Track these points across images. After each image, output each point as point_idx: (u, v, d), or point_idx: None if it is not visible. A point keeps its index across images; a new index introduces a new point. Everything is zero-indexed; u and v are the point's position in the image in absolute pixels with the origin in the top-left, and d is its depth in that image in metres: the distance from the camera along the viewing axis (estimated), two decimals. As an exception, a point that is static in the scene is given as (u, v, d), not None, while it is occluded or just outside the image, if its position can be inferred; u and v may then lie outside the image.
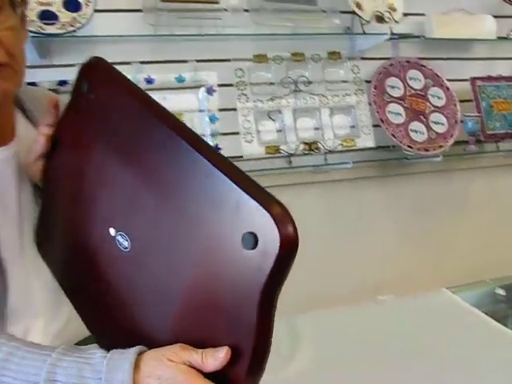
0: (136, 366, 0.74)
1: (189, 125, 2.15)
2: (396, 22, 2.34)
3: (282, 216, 0.60)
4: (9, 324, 1.03)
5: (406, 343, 1.12)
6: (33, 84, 1.93)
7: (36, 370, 0.79)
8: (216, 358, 0.69)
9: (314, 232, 2.36)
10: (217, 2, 2.18)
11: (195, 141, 0.70)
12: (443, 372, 1.05)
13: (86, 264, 0.92)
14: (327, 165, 2.33)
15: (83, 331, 0.98)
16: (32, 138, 1.09)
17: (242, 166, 2.11)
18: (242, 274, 0.64)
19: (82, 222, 0.90)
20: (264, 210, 0.60)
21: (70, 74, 2.02)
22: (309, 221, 2.39)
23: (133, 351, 0.76)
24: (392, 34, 2.34)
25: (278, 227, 0.59)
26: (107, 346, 0.81)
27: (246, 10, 2.22)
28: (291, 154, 2.28)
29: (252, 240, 0.61)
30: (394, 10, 2.37)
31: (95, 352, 0.79)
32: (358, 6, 2.30)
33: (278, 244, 0.59)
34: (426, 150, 2.42)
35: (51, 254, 1.01)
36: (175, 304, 0.75)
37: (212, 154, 0.68)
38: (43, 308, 1.08)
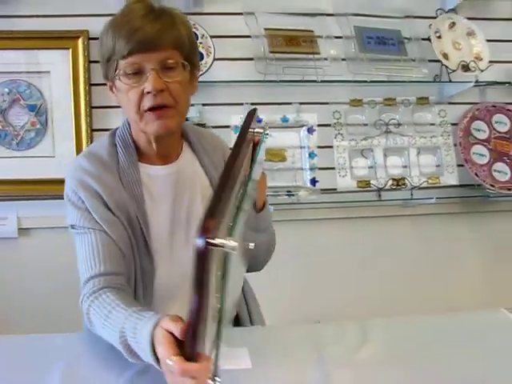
0: (157, 324, 0.99)
1: (290, 160, 2.41)
2: (481, 70, 2.52)
3: (208, 229, 0.77)
4: (153, 306, 1.33)
5: (459, 352, 1.29)
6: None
7: (119, 320, 1.12)
8: (177, 326, 0.93)
9: (400, 258, 2.60)
10: (318, 53, 2.47)
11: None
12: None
13: None
14: (412, 199, 2.56)
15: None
16: (191, 162, 1.44)
17: (336, 197, 2.34)
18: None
19: None
20: (202, 220, 0.78)
21: (191, 113, 2.36)
22: (397, 250, 2.63)
23: (161, 314, 1.03)
24: (477, 81, 2.53)
25: (201, 236, 0.77)
26: None
27: (344, 60, 2.49)
28: (380, 189, 2.54)
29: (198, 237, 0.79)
30: (481, 59, 2.56)
31: (150, 312, 1.08)
32: (445, 56, 2.52)
33: (199, 249, 0.77)
34: (509, 189, 2.58)
35: None
36: None
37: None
38: (180, 294, 1.34)
